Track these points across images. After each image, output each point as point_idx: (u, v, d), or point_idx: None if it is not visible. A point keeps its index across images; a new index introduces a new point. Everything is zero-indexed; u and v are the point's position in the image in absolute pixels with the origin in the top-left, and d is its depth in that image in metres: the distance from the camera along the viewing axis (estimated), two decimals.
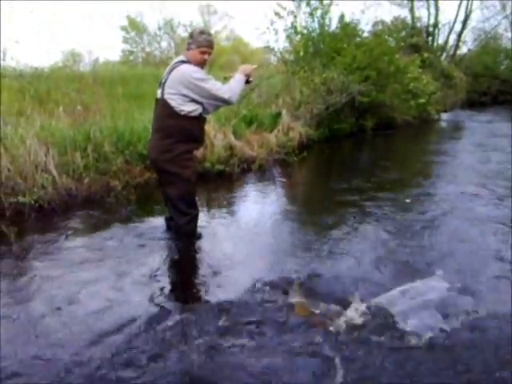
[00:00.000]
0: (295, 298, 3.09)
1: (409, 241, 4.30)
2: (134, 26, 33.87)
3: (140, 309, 2.98)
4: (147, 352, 2.50)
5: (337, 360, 2.42)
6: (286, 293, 3.17)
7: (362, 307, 2.93)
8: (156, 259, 3.80)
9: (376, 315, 2.86)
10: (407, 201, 5.66)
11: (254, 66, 4.12)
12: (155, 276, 3.51)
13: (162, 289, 3.30)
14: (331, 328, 2.71)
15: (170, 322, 2.82)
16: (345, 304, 2.99)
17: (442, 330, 2.71)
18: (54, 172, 5.24)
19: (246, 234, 4.54)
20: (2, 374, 2.31)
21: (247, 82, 4.01)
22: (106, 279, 3.44)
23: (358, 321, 2.79)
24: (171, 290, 3.33)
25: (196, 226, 4.13)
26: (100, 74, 9.65)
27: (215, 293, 3.26)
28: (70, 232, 4.46)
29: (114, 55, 37.48)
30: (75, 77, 8.96)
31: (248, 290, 3.24)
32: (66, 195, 5.22)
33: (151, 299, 3.13)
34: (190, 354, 2.49)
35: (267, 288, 3.25)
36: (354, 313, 2.86)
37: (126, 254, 3.93)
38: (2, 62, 5.60)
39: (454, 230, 4.59)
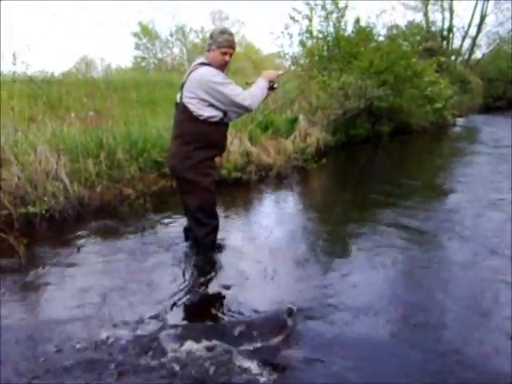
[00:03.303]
0: None
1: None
2: (146, 33, 33.77)
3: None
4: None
5: None
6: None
7: None
8: (171, 273, 3.56)
9: None
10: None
11: (280, 72, 3.87)
12: (164, 289, 3.29)
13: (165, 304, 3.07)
14: None
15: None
16: None
17: None
18: (66, 180, 5.03)
19: (262, 250, 4.17)
20: None
21: (271, 88, 3.76)
22: (117, 293, 3.22)
23: None
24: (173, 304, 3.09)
25: (216, 238, 3.88)
26: (112, 80, 9.48)
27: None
28: (81, 243, 4.24)
29: (127, 62, 37.52)
30: (87, 82, 8.78)
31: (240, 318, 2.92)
32: (78, 204, 5.00)
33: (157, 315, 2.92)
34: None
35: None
36: None
37: (141, 266, 3.70)
38: (12, 67, 5.38)
39: None
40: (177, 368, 2.36)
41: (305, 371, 2.40)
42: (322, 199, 6.53)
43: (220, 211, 4.70)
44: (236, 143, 6.85)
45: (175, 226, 4.68)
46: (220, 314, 2.99)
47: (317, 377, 2.35)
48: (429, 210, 5.43)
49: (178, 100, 3.62)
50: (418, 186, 6.88)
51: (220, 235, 3.99)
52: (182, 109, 3.55)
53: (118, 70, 20.13)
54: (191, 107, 3.50)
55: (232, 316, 2.96)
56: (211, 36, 3.61)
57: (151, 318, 2.86)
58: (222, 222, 4.03)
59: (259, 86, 3.64)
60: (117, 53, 50.63)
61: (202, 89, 3.44)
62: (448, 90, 15.01)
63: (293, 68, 11.27)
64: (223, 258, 3.87)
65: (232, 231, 4.62)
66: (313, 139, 8.71)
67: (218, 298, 3.26)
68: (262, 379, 2.30)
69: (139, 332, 2.69)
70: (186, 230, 4.05)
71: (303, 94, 10.22)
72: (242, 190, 6.40)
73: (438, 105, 14.16)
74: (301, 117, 8.96)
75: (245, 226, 4.96)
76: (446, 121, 16.19)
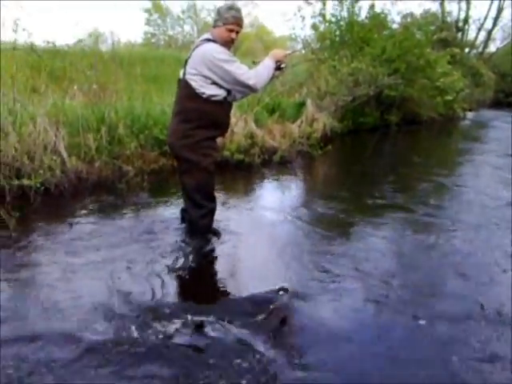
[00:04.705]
0: None
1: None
2: (158, 9, 33.36)
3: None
4: None
5: None
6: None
7: None
8: (164, 254, 3.48)
9: None
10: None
11: (288, 52, 3.71)
12: (157, 272, 3.21)
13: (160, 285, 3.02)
14: None
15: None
16: None
17: None
18: (64, 153, 4.92)
19: (262, 235, 4.13)
20: None
21: (279, 68, 3.60)
22: (109, 273, 3.13)
23: None
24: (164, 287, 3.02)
25: (212, 221, 3.74)
26: (119, 53, 9.30)
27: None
28: (76, 220, 4.13)
29: (137, 37, 37.10)
30: (93, 55, 8.59)
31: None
32: (75, 178, 4.89)
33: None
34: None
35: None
36: None
37: (135, 246, 3.60)
38: (13, 34, 5.20)
39: None
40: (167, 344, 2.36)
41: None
42: (323, 189, 6.28)
43: (220, 193, 4.58)
44: (241, 125, 6.70)
45: (172, 206, 4.58)
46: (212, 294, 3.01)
47: None
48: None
49: (181, 76, 3.48)
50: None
51: (218, 217, 3.87)
52: (184, 85, 3.41)
53: (127, 44, 19.82)
54: (193, 84, 3.35)
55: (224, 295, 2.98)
56: (218, 12, 3.43)
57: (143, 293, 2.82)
58: (221, 205, 3.93)
59: (265, 66, 3.48)
60: (127, 28, 49.95)
61: (205, 65, 3.29)
62: (460, 82, 14.72)
63: (303, 51, 11.01)
64: (218, 241, 3.77)
65: (230, 215, 4.50)
66: (319, 124, 8.53)
67: (210, 280, 3.26)
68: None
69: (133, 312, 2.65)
70: (183, 211, 3.92)
71: (312, 78, 10.02)
72: (244, 172, 6.27)
73: (449, 97, 13.90)
74: (308, 101, 8.77)
75: (244, 210, 4.83)
76: (455, 114, 15.92)
